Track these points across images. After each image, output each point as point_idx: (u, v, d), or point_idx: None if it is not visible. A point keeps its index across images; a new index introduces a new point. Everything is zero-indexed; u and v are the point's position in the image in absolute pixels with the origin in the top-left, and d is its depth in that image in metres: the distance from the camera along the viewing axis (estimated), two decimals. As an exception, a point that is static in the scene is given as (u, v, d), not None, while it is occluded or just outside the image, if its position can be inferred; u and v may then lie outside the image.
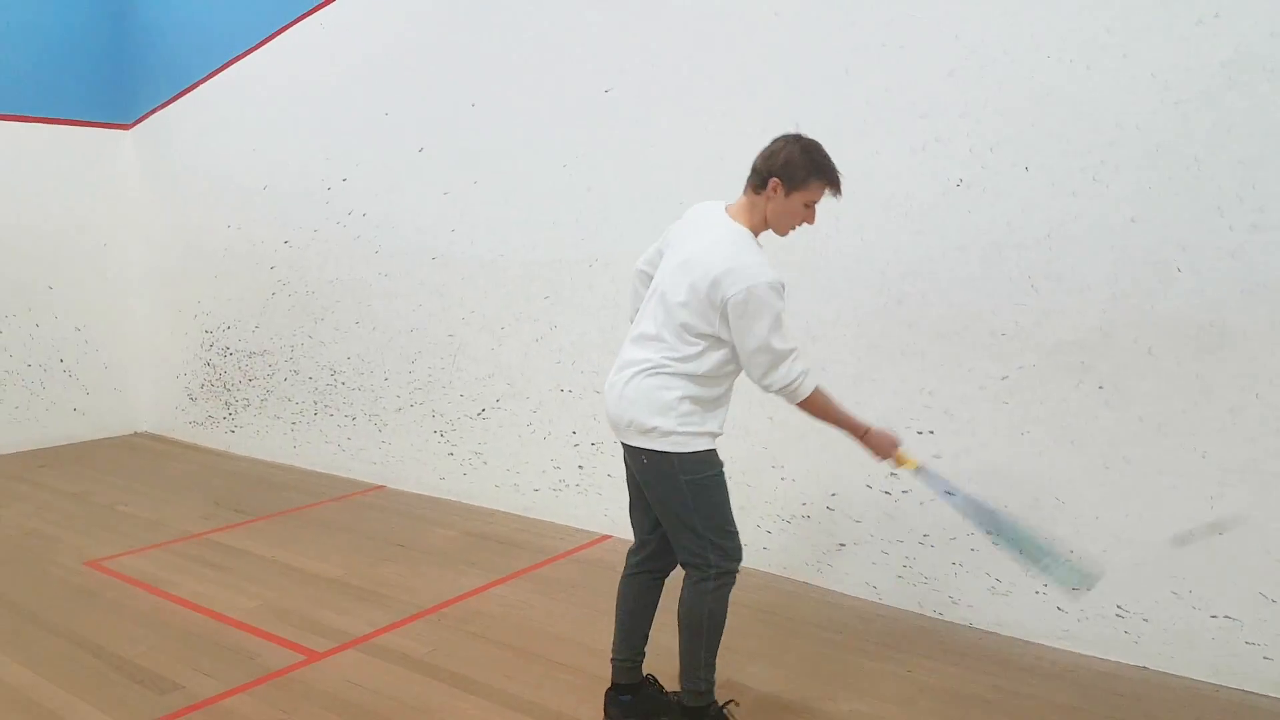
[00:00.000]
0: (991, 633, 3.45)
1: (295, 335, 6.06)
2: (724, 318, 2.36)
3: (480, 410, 5.13)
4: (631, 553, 2.73)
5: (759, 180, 2.45)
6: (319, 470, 5.97)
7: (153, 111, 6.93)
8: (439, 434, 5.33)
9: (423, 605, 3.66)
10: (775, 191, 2.43)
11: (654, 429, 2.44)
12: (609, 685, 2.76)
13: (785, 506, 4.06)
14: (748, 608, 3.65)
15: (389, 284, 5.49)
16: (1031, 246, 3.33)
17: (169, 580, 3.98)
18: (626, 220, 4.39)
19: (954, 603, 3.58)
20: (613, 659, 2.73)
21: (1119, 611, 3.23)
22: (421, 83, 5.19)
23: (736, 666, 3.12)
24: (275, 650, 3.25)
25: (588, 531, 4.58)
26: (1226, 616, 3.04)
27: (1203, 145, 2.98)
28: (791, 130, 2.54)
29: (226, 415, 6.64)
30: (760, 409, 4.06)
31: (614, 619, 2.73)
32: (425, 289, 5.32)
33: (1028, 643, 3.34)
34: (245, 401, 6.49)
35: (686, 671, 2.60)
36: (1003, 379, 3.44)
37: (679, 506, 2.49)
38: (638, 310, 2.65)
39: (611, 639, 2.75)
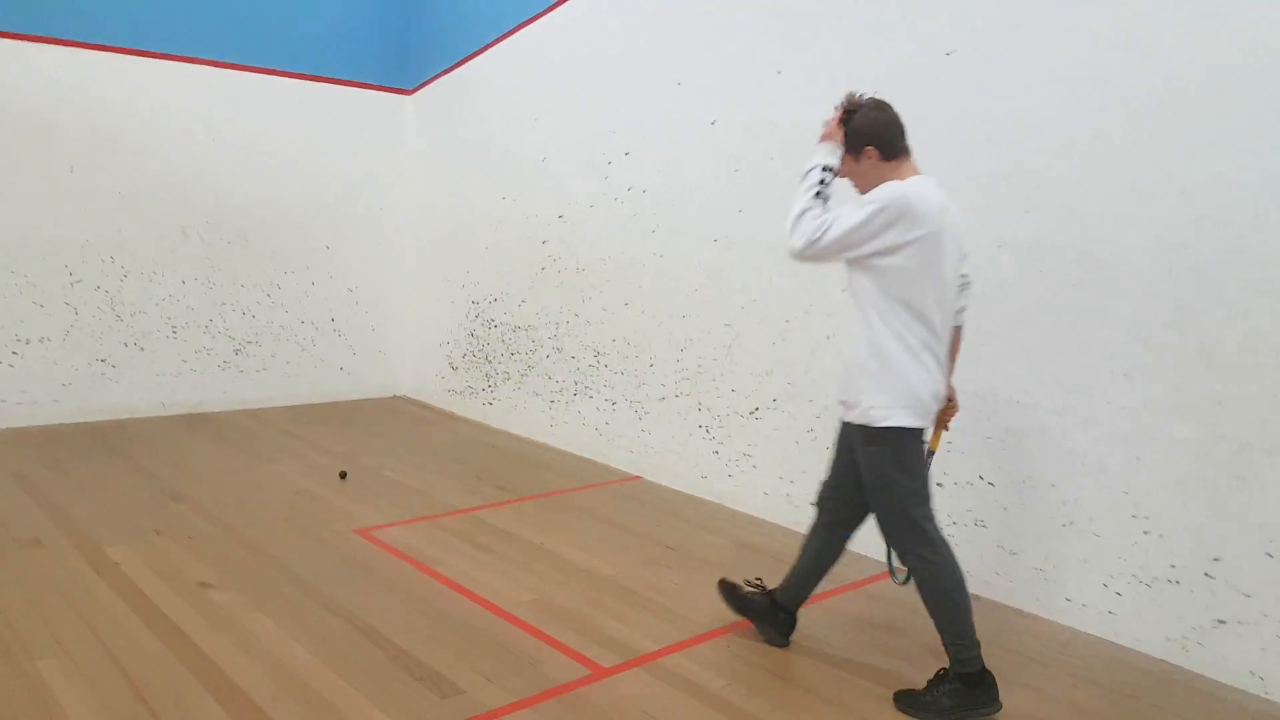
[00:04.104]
0: None
1: (562, 312, 5.84)
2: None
3: (753, 409, 4.63)
4: (938, 536, 2.77)
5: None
6: (574, 452, 5.72)
7: (435, 78, 6.98)
8: (704, 429, 4.89)
9: (706, 624, 3.21)
10: None
11: None
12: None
13: (1145, 566, 3.27)
14: (1099, 685, 2.93)
15: (664, 265, 5.11)
16: None
17: (439, 559, 3.77)
18: (969, 202, 3.72)
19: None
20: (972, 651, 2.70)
21: None
22: (718, 49, 4.75)
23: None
24: (557, 659, 2.90)
25: (875, 560, 3.97)
26: None
27: None
28: None
29: (486, 387, 6.57)
30: (1120, 447, 3.29)
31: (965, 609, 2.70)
32: (703, 272, 4.89)
33: None
34: (505, 375, 6.38)
35: None
36: None
37: None
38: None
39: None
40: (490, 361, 6.52)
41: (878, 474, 2.69)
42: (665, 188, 5.08)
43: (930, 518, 2.73)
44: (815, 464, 4.28)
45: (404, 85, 7.25)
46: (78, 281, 5.97)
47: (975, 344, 3.68)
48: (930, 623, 2.75)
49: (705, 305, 4.88)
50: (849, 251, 2.56)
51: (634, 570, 3.73)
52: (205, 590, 3.36)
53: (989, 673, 2.69)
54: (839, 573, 3.78)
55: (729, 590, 3.22)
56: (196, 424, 6.16)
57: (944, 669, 2.73)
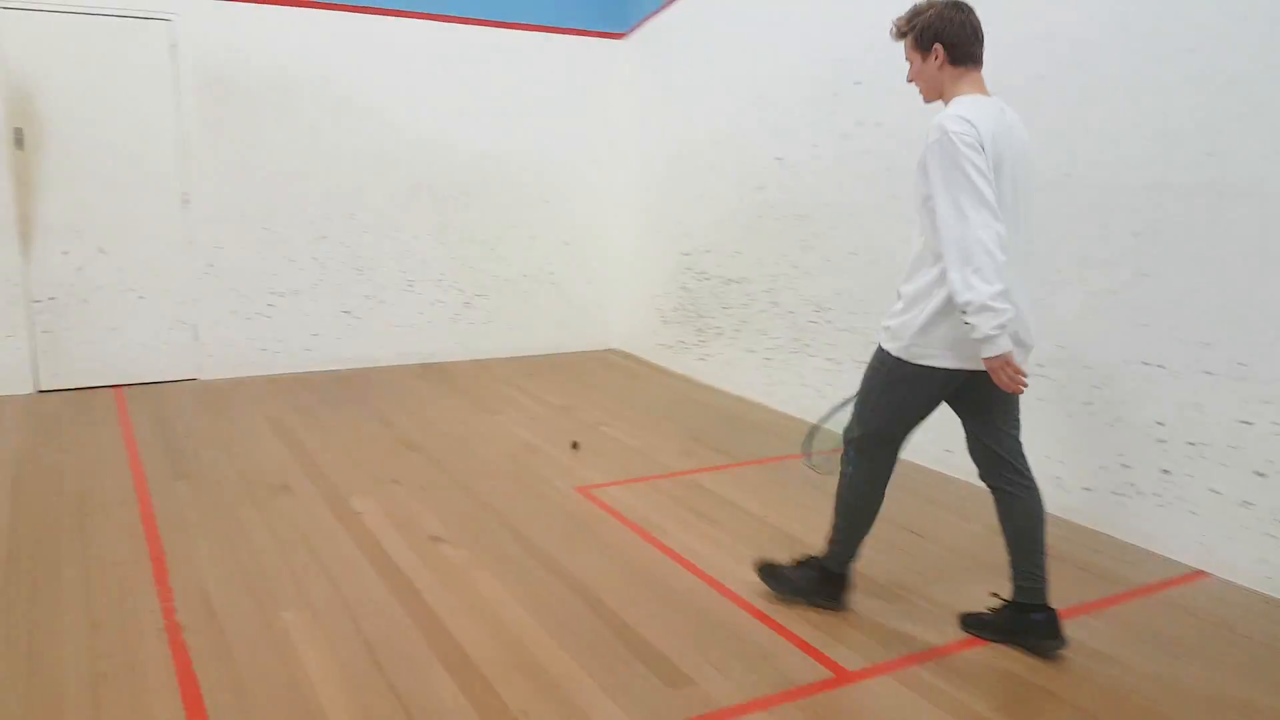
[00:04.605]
0: None
1: (779, 264, 5.49)
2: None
3: (1008, 373, 4.10)
4: (891, 454, 2.82)
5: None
6: (792, 414, 5.41)
7: (647, 18, 6.72)
8: (946, 394, 4.41)
9: (963, 631, 2.84)
10: None
11: None
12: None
13: None
14: None
15: (901, 209, 4.63)
16: None
17: (660, 526, 3.62)
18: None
19: None
20: (845, 555, 2.91)
21: None
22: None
23: None
24: (794, 655, 2.65)
25: (1168, 559, 3.40)
26: None
27: None
28: None
29: (697, 342, 6.38)
30: None
31: (865, 518, 2.88)
32: (948, 218, 4.36)
33: None
34: (717, 330, 6.15)
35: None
36: None
37: None
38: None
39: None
40: (702, 315, 6.30)
41: (878, 373, 2.70)
42: (905, 120, 4.56)
43: (889, 441, 2.75)
44: (1091, 442, 3.74)
45: (616, 29, 7.05)
46: (323, 237, 6.31)
47: (1253, 313, 3.01)
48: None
49: (949, 256, 4.36)
50: (990, 199, 2.33)
51: (876, 557, 3.39)
52: (437, 544, 3.40)
53: (848, 579, 2.90)
54: (1131, 577, 3.27)
55: (967, 622, 2.83)
56: (429, 373, 6.41)
57: (814, 556, 2.95)
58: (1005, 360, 2.35)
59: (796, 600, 2.93)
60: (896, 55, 4.62)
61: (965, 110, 2.39)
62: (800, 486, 4.15)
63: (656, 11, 6.60)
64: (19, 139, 5.36)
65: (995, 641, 2.74)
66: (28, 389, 5.54)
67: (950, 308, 2.42)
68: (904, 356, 2.57)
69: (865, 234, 4.83)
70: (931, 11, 2.52)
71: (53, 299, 5.58)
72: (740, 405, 5.69)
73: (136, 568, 3.11)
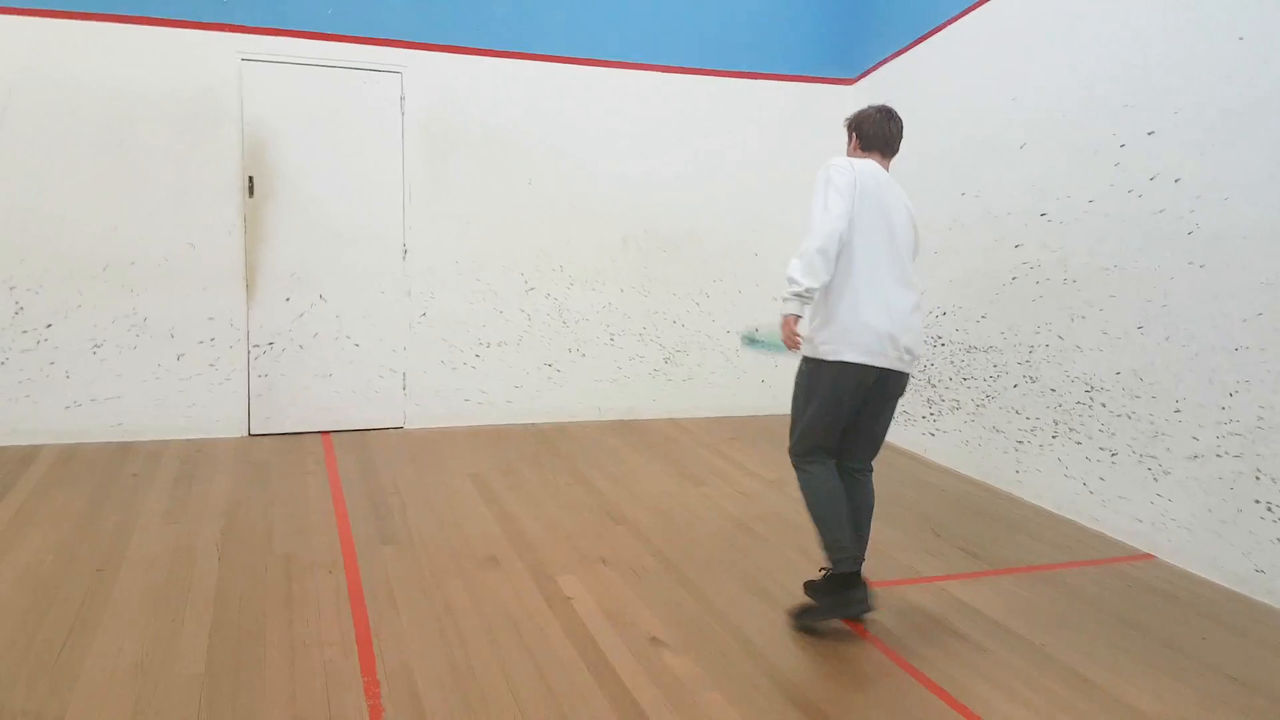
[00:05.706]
0: None
1: (1039, 334, 4.79)
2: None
3: (1362, 487, 3.26)
4: (828, 460, 3.21)
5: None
6: (1048, 509, 4.67)
7: (881, 63, 6.25)
8: (1265, 506, 3.59)
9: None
10: None
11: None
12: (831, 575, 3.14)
13: None
14: None
15: (1205, 279, 3.87)
16: None
17: (919, 653, 3.03)
18: None
19: None
20: (843, 553, 3.10)
21: None
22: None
23: None
24: None
25: None
26: None
27: None
28: None
29: (927, 414, 5.73)
30: None
31: (835, 518, 3.12)
32: (1274, 290, 3.58)
33: None
34: (954, 403, 5.48)
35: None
36: None
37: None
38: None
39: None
40: (934, 385, 5.65)
41: (799, 385, 3.19)
42: (1213, 175, 3.83)
43: (823, 445, 3.16)
44: None
45: (845, 75, 6.62)
46: (531, 289, 6.19)
47: None
48: None
49: (1276, 335, 3.58)
50: (840, 218, 2.97)
51: (1191, 709, 2.69)
52: (658, 649, 2.98)
53: (860, 578, 3.11)
54: None
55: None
56: (626, 430, 6.11)
57: (822, 570, 3.20)
58: (790, 320, 3.02)
59: (835, 616, 3.15)
60: (1201, 105, 3.95)
61: (852, 160, 3.11)
62: (1077, 606, 3.45)
63: (892, 56, 6.12)
64: (250, 187, 5.53)
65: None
66: (240, 432, 5.64)
67: (839, 300, 3.01)
68: (814, 355, 3.07)
69: (1157, 305, 4.09)
70: (860, 112, 3.31)
71: (271, 344, 5.69)
72: (981, 493, 4.98)
73: (343, 650, 2.87)
